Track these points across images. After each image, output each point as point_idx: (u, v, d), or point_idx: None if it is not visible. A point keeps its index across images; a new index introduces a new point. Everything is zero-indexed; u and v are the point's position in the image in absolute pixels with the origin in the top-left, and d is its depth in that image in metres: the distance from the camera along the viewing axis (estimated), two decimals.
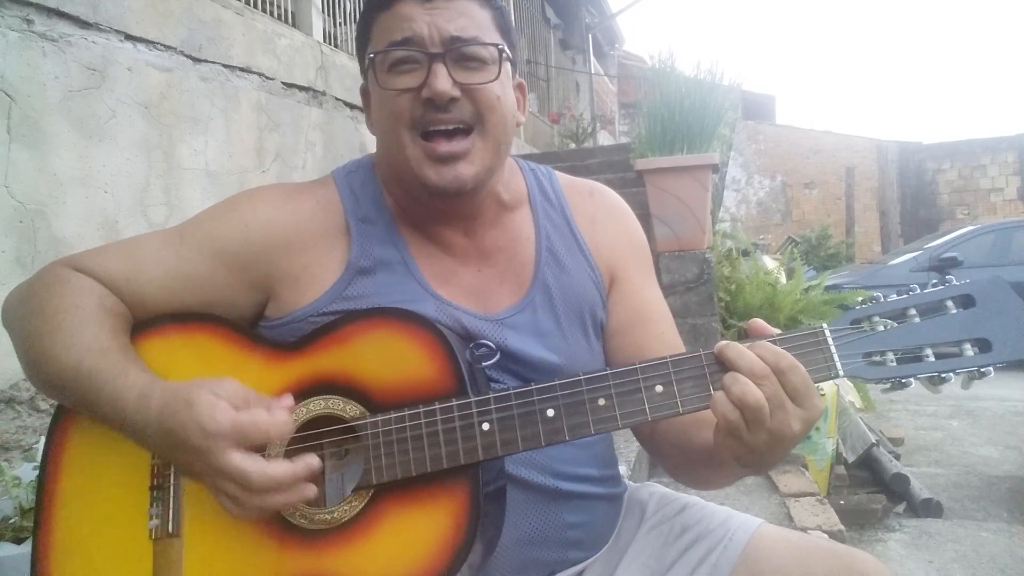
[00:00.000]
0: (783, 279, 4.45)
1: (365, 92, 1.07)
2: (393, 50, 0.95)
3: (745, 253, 4.56)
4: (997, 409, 6.00)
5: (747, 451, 0.81)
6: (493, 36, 0.98)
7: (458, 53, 0.95)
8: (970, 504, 3.77)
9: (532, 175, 1.15)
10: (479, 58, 0.96)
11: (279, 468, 0.81)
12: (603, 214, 1.15)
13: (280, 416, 0.83)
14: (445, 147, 0.95)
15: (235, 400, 0.83)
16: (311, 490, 0.83)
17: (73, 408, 0.95)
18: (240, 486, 0.80)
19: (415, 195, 1.02)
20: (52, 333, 0.92)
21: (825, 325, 0.85)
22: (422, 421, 0.87)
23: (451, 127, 0.96)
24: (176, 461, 0.87)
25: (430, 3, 0.95)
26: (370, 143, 4.79)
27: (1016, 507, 3.67)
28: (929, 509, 3.58)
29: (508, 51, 1.00)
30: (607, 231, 1.14)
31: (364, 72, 1.05)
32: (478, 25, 0.97)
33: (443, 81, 0.93)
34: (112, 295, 0.98)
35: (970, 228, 9.73)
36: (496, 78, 0.97)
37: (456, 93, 0.94)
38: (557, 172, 1.19)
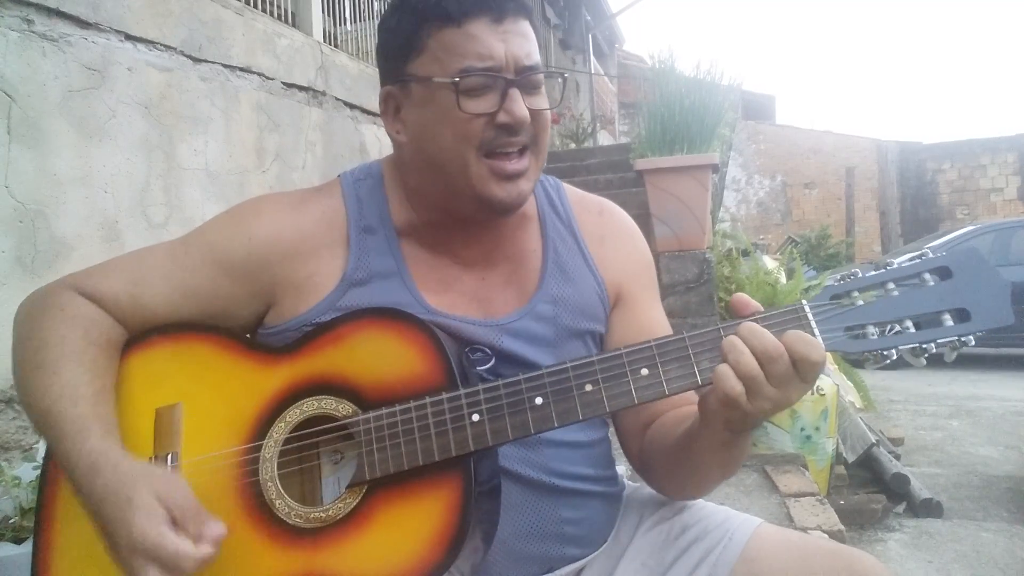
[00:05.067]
0: (783, 279, 4.44)
1: (388, 97, 1.02)
2: (474, 75, 0.94)
3: (745, 253, 4.55)
4: (997, 409, 6.00)
5: (742, 416, 0.84)
6: (541, 56, 1.01)
7: (527, 80, 0.97)
8: (970, 504, 3.77)
9: (540, 187, 1.16)
10: (539, 83, 0.99)
11: None
12: (612, 234, 1.16)
13: (203, 550, 0.81)
14: (512, 166, 0.97)
15: (176, 511, 0.82)
16: None
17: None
18: None
19: (454, 207, 1.02)
20: (35, 370, 0.93)
21: (804, 302, 0.87)
22: (412, 415, 0.88)
23: (516, 149, 0.98)
24: (105, 539, 0.86)
25: (502, 25, 0.95)
26: (370, 143, 4.80)
27: (1016, 507, 3.67)
28: (929, 509, 3.59)
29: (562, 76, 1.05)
30: (616, 251, 1.14)
31: (396, 78, 1.00)
32: (535, 48, 1.00)
33: (523, 107, 0.95)
34: (107, 319, 0.98)
35: (970, 228, 9.73)
36: (555, 107, 1.01)
37: (529, 118, 0.97)
38: (565, 185, 1.19)
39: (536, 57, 0.98)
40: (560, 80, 1.02)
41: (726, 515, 1.06)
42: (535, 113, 0.98)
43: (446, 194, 1.01)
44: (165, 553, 0.79)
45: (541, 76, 0.99)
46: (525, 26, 0.98)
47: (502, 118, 0.94)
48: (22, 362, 0.96)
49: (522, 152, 0.98)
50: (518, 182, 0.98)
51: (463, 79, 0.93)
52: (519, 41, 0.96)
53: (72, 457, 0.87)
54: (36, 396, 0.92)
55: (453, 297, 1.04)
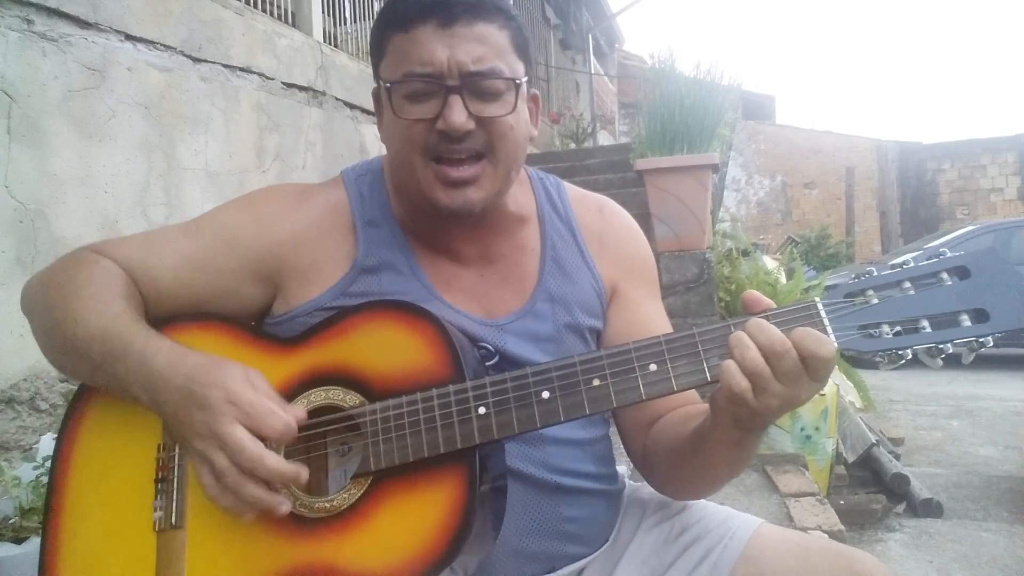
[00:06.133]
0: (783, 279, 4.44)
1: (378, 97, 1.07)
2: (411, 81, 0.95)
3: (745, 253, 4.55)
4: (997, 409, 6.00)
5: (750, 414, 0.82)
6: (511, 60, 0.98)
7: (475, 86, 0.94)
8: (970, 504, 3.77)
9: (540, 185, 1.16)
10: (495, 90, 0.96)
11: (272, 459, 0.82)
12: (611, 231, 1.16)
13: (292, 419, 0.85)
14: (455, 173, 0.96)
15: (262, 389, 0.86)
16: (286, 505, 0.85)
17: (87, 374, 0.96)
18: (230, 461, 0.82)
19: (423, 210, 1.03)
20: (82, 300, 0.94)
21: (818, 299, 0.85)
22: (419, 407, 0.88)
23: (463, 156, 0.96)
24: (181, 420, 0.87)
25: (449, 30, 0.93)
26: (370, 143, 4.80)
27: (1016, 507, 3.67)
28: (929, 509, 3.59)
29: (525, 77, 1.00)
30: (614, 248, 1.14)
31: (376, 81, 1.04)
32: (496, 52, 0.96)
33: (458, 115, 0.93)
34: (130, 281, 1.00)
35: (970, 228, 9.73)
36: (512, 111, 0.97)
37: (471, 125, 0.94)
38: (566, 183, 1.20)
39: (491, 62, 0.95)
40: (515, 84, 0.97)
41: (727, 515, 1.07)
42: (487, 120, 0.95)
43: (411, 198, 1.03)
44: (259, 409, 0.83)
45: (499, 82, 0.95)
46: (481, 29, 0.95)
47: (439, 124, 0.94)
48: (58, 300, 0.96)
49: (477, 159, 0.97)
50: (464, 190, 0.97)
51: (397, 84, 0.95)
52: (468, 46, 0.93)
53: (148, 353, 0.89)
54: (86, 319, 0.92)
55: (455, 294, 1.05)
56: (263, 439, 0.83)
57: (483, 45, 0.95)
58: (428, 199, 0.98)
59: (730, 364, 0.81)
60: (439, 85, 0.94)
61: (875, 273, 0.87)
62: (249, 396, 0.83)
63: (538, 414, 0.86)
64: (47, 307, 0.98)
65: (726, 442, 0.89)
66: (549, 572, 1.01)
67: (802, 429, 3.49)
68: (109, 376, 0.92)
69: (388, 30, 0.98)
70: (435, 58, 0.93)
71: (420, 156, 0.96)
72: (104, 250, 1.02)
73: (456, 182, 0.96)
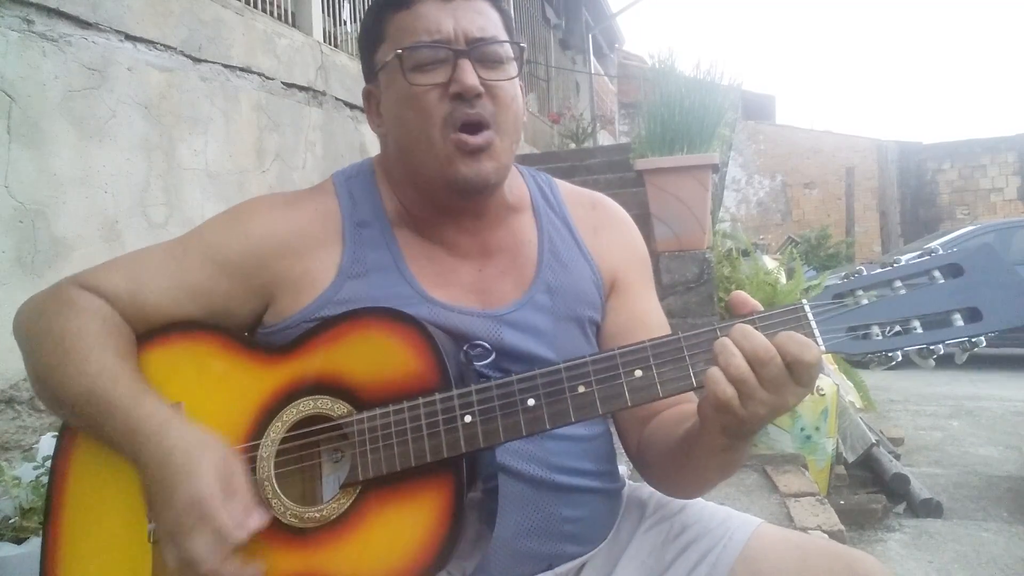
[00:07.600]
0: (783, 279, 4.44)
1: (368, 94, 1.08)
2: (421, 48, 0.97)
3: (745, 253, 4.55)
4: (997, 409, 6.00)
5: (738, 422, 0.81)
6: (505, 36, 1.02)
7: (480, 52, 0.98)
8: (970, 504, 3.77)
9: (532, 180, 1.17)
10: (498, 57, 1.00)
11: (228, 570, 0.82)
12: (605, 225, 1.16)
13: (254, 525, 0.84)
14: (473, 140, 0.97)
15: (232, 488, 0.86)
16: None
17: (79, 429, 0.97)
18: (187, 565, 0.82)
19: (433, 194, 1.03)
20: (61, 357, 0.94)
21: (805, 301, 0.83)
22: (406, 416, 0.87)
23: (476, 121, 0.98)
24: (151, 503, 0.88)
25: (451, 3, 0.98)
26: (370, 143, 4.80)
27: (1016, 507, 3.67)
28: (929, 509, 3.59)
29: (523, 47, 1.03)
30: (609, 241, 1.15)
31: (372, 73, 1.05)
32: (494, 25, 1.01)
33: (472, 76, 0.96)
34: (115, 314, 1.00)
35: (970, 228, 9.74)
36: (515, 76, 1.01)
37: (481, 89, 0.97)
38: (557, 180, 1.20)
39: (492, 31, 0.99)
40: (519, 48, 1.01)
41: (726, 515, 1.06)
42: (493, 86, 0.98)
43: (422, 181, 1.03)
44: (220, 519, 0.82)
45: (500, 51, 0.99)
46: (480, 4, 1.00)
47: (453, 87, 0.96)
48: (42, 355, 0.96)
49: (486, 127, 0.98)
50: (480, 159, 0.98)
51: (408, 52, 0.97)
52: (471, 16, 0.98)
53: (131, 421, 0.89)
54: (69, 380, 0.93)
55: (452, 289, 1.04)
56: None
57: (482, 16, 0.99)
58: (446, 174, 0.98)
59: (715, 371, 0.80)
60: (448, 51, 0.96)
61: (864, 273, 0.84)
62: (213, 506, 0.82)
63: (524, 422, 0.85)
64: (32, 354, 0.98)
65: (715, 448, 0.89)
66: (547, 570, 1.01)
67: (802, 429, 3.49)
68: (98, 435, 0.93)
69: (387, 12, 1.01)
70: (442, 26, 0.97)
71: (439, 128, 0.97)
72: (90, 282, 1.01)
73: (474, 150, 0.97)
